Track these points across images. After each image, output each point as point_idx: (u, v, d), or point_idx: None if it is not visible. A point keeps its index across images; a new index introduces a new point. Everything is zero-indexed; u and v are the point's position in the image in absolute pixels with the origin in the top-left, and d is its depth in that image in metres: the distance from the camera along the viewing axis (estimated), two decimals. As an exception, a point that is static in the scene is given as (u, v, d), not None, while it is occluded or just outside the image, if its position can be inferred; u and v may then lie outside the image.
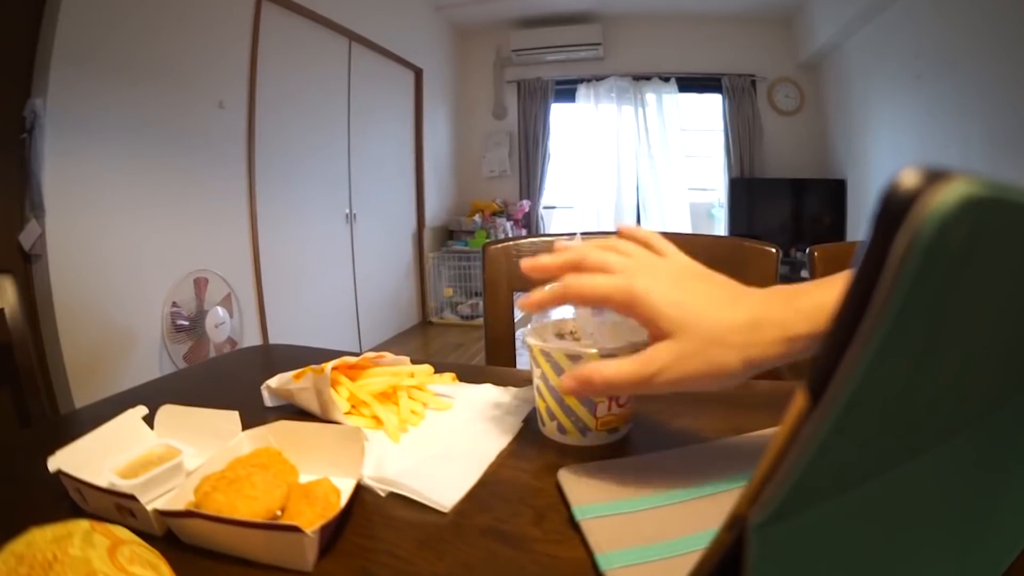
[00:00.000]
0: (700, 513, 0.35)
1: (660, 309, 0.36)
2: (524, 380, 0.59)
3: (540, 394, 0.47)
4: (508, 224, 4.34)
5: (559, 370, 0.44)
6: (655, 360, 0.36)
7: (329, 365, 0.50)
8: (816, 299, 0.35)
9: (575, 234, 0.48)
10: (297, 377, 0.52)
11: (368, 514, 0.38)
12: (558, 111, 4.58)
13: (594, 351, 0.43)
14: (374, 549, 0.34)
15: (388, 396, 0.53)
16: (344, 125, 3.17)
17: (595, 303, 0.39)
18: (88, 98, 1.72)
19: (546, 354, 0.45)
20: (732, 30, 4.21)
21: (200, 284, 2.06)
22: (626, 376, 0.36)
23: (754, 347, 0.35)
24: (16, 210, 1.60)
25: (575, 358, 0.43)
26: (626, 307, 0.37)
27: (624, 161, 4.48)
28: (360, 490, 0.39)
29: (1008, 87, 2.27)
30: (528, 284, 0.41)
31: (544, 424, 0.48)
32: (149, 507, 0.34)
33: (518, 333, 0.49)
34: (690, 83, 4.37)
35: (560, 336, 0.49)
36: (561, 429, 0.46)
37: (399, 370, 0.55)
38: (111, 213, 1.83)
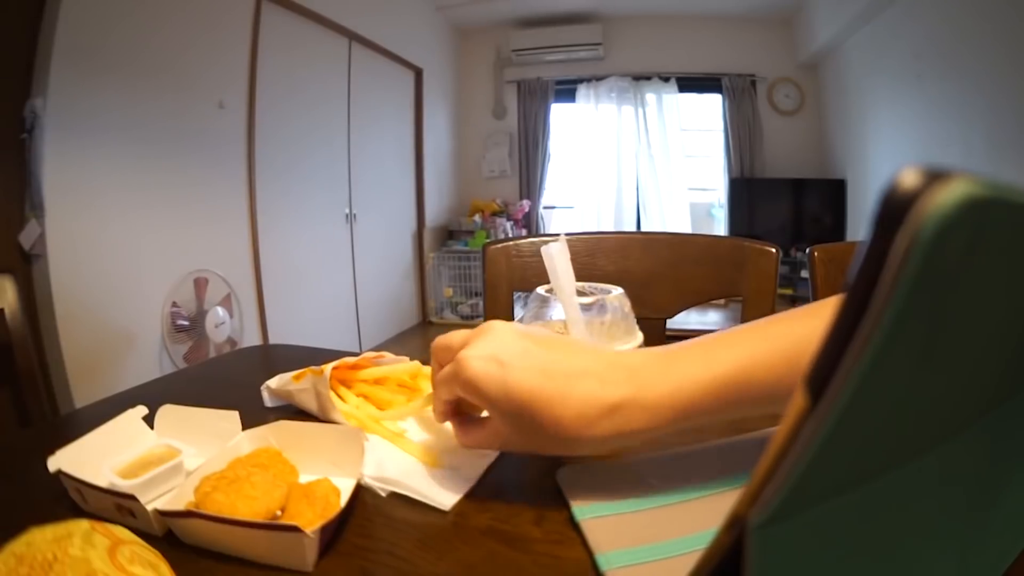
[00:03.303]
0: (700, 513, 0.35)
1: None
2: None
3: None
4: (508, 224, 4.33)
5: None
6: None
7: (329, 366, 0.50)
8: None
9: (559, 235, 0.49)
10: (297, 378, 0.52)
11: (368, 514, 0.38)
12: (558, 111, 4.58)
13: None
14: (374, 549, 0.34)
15: (387, 403, 0.52)
16: (344, 125, 3.17)
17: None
18: (88, 98, 1.72)
19: None
20: (732, 30, 4.21)
21: (200, 284, 2.06)
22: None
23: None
24: (16, 210, 1.60)
25: None
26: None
27: (624, 161, 4.48)
28: (360, 490, 0.39)
29: (1009, 87, 2.27)
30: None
31: None
32: (149, 507, 0.34)
33: None
34: (690, 83, 4.37)
35: None
36: None
37: (398, 368, 0.55)
38: (111, 213, 1.83)
